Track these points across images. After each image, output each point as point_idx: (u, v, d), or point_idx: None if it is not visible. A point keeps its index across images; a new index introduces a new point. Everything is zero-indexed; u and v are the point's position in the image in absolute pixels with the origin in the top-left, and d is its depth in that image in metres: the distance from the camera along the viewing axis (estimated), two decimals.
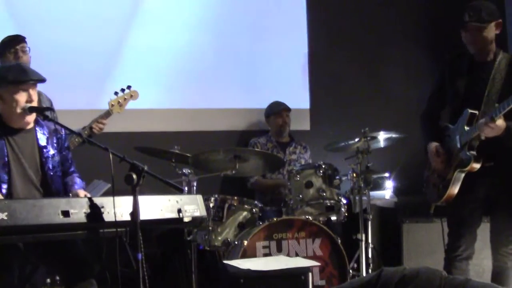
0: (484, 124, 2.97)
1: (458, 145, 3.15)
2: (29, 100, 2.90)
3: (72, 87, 4.76)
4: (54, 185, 3.00)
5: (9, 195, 2.85)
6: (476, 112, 3.09)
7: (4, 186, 2.85)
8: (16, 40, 3.76)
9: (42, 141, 3.01)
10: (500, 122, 2.97)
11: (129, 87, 3.98)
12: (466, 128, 3.09)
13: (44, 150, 3.00)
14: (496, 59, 3.16)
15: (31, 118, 2.96)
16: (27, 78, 2.89)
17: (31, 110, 2.90)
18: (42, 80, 2.98)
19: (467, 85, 3.19)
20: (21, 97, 2.88)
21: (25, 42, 3.80)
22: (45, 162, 2.98)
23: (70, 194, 2.98)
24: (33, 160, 2.97)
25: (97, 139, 3.68)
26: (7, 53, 3.71)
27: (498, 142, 3.03)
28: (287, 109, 4.87)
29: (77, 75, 4.80)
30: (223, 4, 5.18)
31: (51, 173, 2.99)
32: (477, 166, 3.07)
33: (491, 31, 3.12)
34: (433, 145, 3.29)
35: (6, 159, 2.88)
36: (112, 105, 3.89)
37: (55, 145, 3.06)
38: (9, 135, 2.93)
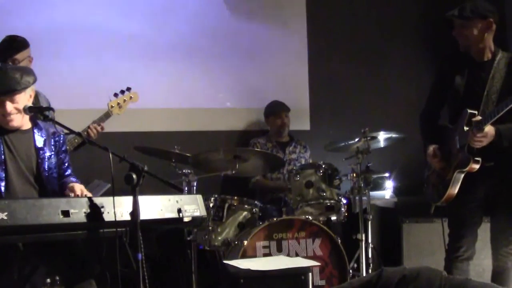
0: (472, 136, 2.98)
1: (458, 146, 3.14)
2: (5, 113, 2.85)
3: (72, 87, 4.77)
4: (49, 186, 3.00)
5: (6, 192, 2.86)
6: (475, 112, 3.07)
7: (2, 183, 2.86)
8: (16, 49, 3.73)
9: (39, 142, 3.01)
10: (488, 129, 2.96)
11: (129, 89, 3.97)
12: (465, 128, 3.08)
13: (41, 151, 3.00)
14: (495, 58, 3.14)
15: (20, 122, 2.93)
16: None
17: (31, 110, 2.89)
18: (10, 92, 2.86)
19: (466, 85, 3.18)
20: None
21: (25, 49, 3.78)
22: (41, 163, 2.99)
23: (67, 189, 2.97)
24: (29, 160, 2.97)
25: (97, 139, 3.70)
26: (7, 59, 3.69)
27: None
28: (287, 110, 4.86)
29: (77, 75, 4.80)
30: (222, 4, 5.18)
31: (46, 174, 3.00)
32: (476, 166, 3.06)
33: (475, 29, 3.09)
34: (431, 147, 3.28)
35: (3, 157, 2.89)
36: (112, 107, 3.89)
37: (52, 147, 3.06)
38: (5, 135, 2.93)
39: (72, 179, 3.10)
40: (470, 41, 3.14)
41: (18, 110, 2.88)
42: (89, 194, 2.92)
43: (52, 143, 3.06)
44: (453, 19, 3.15)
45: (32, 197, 2.91)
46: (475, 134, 2.97)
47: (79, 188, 2.93)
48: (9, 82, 2.85)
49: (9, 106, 2.86)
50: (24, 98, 2.91)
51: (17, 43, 3.77)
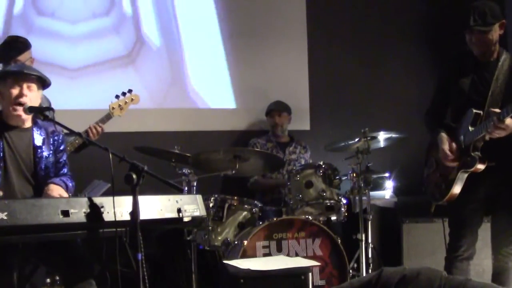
0: (493, 126, 2.92)
1: (463, 145, 3.13)
2: (20, 94, 2.90)
3: (73, 87, 4.78)
4: (45, 185, 2.99)
5: (4, 189, 2.87)
6: (481, 112, 3.06)
7: None
8: (19, 50, 3.72)
9: (38, 141, 3.03)
10: (510, 121, 2.92)
11: (130, 90, 3.98)
12: (471, 128, 3.07)
13: (39, 150, 3.02)
14: (500, 59, 3.13)
15: (26, 116, 2.96)
16: (22, 70, 2.93)
17: (31, 110, 2.91)
18: (42, 79, 2.99)
19: (471, 85, 3.16)
20: (15, 90, 2.91)
21: (27, 50, 3.76)
22: (38, 162, 3.00)
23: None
24: (27, 158, 2.99)
25: (97, 139, 3.70)
26: (10, 60, 3.66)
27: (500, 143, 3.01)
28: (279, 110, 4.86)
29: (78, 75, 4.81)
30: (222, 4, 5.19)
31: (43, 173, 3.01)
32: (482, 167, 3.05)
33: (496, 32, 3.09)
34: (444, 137, 3.20)
35: (2, 154, 2.91)
36: (113, 108, 3.90)
37: (51, 146, 3.07)
38: (6, 132, 2.95)
39: (63, 178, 3.08)
40: (489, 46, 3.11)
41: (30, 101, 2.93)
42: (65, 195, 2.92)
43: (51, 142, 3.08)
44: (474, 28, 3.05)
45: (29, 194, 2.93)
46: (495, 124, 2.91)
47: (56, 194, 2.91)
48: (35, 70, 3.00)
49: (25, 90, 2.92)
50: (37, 95, 2.99)
51: (19, 44, 3.76)
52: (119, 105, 3.92)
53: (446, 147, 3.18)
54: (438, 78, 3.43)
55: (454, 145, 3.17)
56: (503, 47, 3.20)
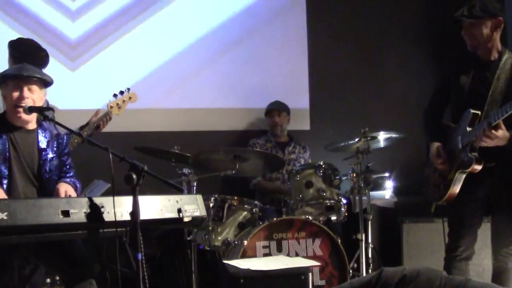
0: (482, 134, 2.93)
1: (460, 146, 3.13)
2: (22, 97, 2.90)
3: (72, 87, 4.78)
4: (49, 187, 3.02)
5: (9, 190, 2.87)
6: (479, 112, 3.05)
7: (5, 181, 2.88)
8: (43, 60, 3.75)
9: (43, 143, 3.03)
10: (501, 133, 2.91)
11: (128, 89, 3.98)
12: (468, 128, 3.06)
13: (43, 152, 3.02)
14: (502, 58, 3.12)
15: (28, 117, 2.96)
16: (19, 72, 2.93)
17: (31, 110, 2.90)
18: (40, 79, 2.98)
19: (471, 84, 3.15)
20: (15, 93, 2.92)
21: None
22: (42, 164, 3.00)
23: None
24: (31, 160, 3.00)
25: (97, 139, 3.70)
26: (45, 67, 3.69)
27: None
28: (278, 110, 4.87)
29: (77, 75, 4.81)
30: (222, 4, 5.19)
31: (47, 176, 3.02)
32: (478, 167, 3.04)
33: (485, 28, 3.06)
34: (435, 145, 3.26)
35: (8, 154, 2.91)
36: (111, 107, 3.90)
37: (55, 149, 3.08)
38: (12, 133, 2.96)
39: (69, 179, 3.09)
40: (479, 41, 3.10)
41: (33, 102, 2.93)
42: (73, 195, 2.94)
43: (55, 145, 3.08)
44: (462, 19, 3.09)
45: (32, 196, 2.93)
46: (485, 132, 2.90)
47: (63, 190, 2.94)
48: (32, 71, 2.97)
49: (26, 93, 2.92)
50: (40, 95, 2.98)
51: (46, 52, 3.80)
52: (117, 104, 3.93)
53: (434, 152, 3.23)
54: (439, 78, 3.42)
55: (442, 151, 3.21)
56: (505, 47, 3.19)
